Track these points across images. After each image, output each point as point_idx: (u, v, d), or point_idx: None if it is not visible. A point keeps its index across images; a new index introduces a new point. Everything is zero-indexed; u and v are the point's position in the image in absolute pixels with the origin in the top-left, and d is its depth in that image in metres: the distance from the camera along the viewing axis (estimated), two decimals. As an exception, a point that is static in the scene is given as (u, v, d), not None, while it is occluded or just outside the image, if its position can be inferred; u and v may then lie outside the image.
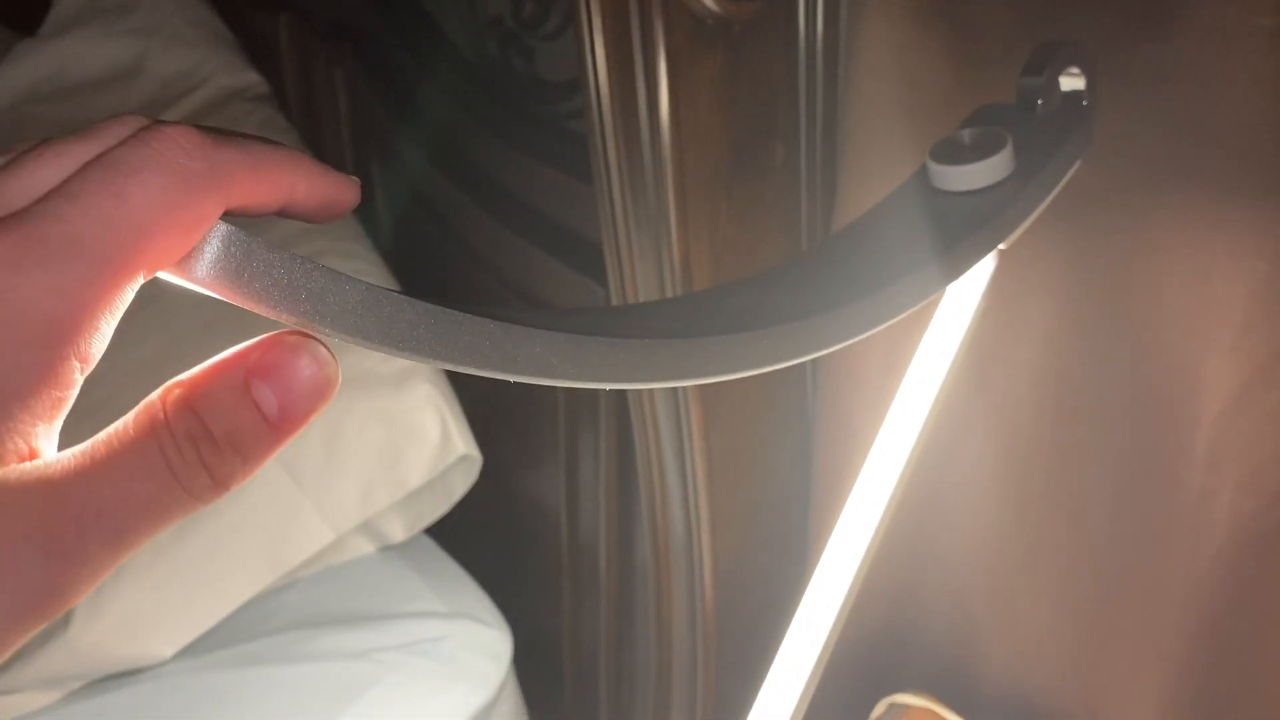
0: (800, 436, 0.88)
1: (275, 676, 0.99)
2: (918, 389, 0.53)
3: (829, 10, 0.70)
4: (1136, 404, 0.66)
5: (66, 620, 0.94)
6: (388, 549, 1.12)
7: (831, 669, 0.52)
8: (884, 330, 0.44)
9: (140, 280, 0.25)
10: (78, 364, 0.25)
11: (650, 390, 0.83)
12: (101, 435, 0.26)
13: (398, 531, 1.11)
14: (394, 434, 1.02)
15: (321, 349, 0.27)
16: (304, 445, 1.00)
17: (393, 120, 1.24)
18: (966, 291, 0.54)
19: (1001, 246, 0.51)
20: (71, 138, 0.26)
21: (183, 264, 0.25)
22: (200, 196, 0.25)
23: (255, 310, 0.26)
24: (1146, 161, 0.60)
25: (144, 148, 0.25)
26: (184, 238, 0.25)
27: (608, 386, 0.33)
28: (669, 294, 0.75)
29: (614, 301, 0.82)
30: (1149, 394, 0.65)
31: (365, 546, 1.10)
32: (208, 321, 1.05)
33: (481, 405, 1.12)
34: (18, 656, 0.93)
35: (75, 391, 0.25)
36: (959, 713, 0.82)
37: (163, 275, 0.26)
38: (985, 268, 0.53)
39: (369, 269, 1.17)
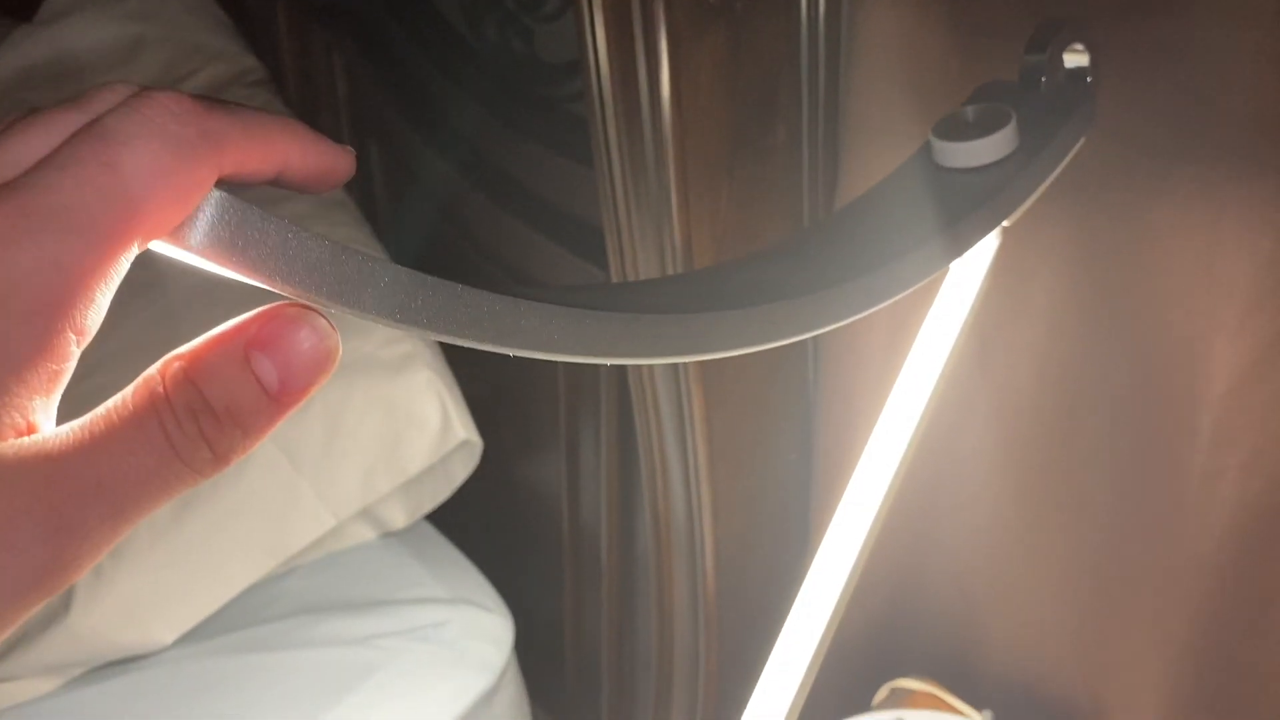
0: (802, 420, 0.87)
1: (277, 663, 0.98)
2: (920, 370, 0.53)
3: (831, -11, 0.70)
4: (1140, 384, 0.66)
5: (66, 606, 0.93)
6: (389, 535, 1.12)
7: (834, 654, 0.52)
8: (886, 311, 0.44)
9: (135, 250, 0.25)
10: (74, 337, 0.24)
11: (651, 374, 0.83)
12: (100, 409, 0.25)
13: (399, 518, 1.11)
14: (394, 420, 1.02)
15: (321, 320, 0.26)
16: (304, 431, 1.00)
17: (391, 104, 1.23)
18: (969, 270, 0.53)
19: (1005, 224, 0.50)
20: (60, 107, 0.26)
21: (177, 233, 0.25)
22: (193, 163, 0.25)
23: (251, 280, 0.26)
24: (1151, 139, 0.60)
25: (134, 115, 0.24)
26: (178, 206, 0.25)
27: (607, 361, 0.33)
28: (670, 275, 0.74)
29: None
30: (1153, 374, 0.65)
31: (366, 533, 1.10)
32: (207, 292, 1.04)
33: (482, 391, 1.12)
34: (17, 643, 0.93)
35: (72, 365, 0.25)
36: (961, 697, 0.82)
37: (157, 245, 0.25)
38: (989, 246, 0.53)
39: (354, 233, 1.17)
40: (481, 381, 1.13)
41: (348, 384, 1.01)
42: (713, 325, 0.36)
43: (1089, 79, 0.54)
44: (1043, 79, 0.53)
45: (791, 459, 0.89)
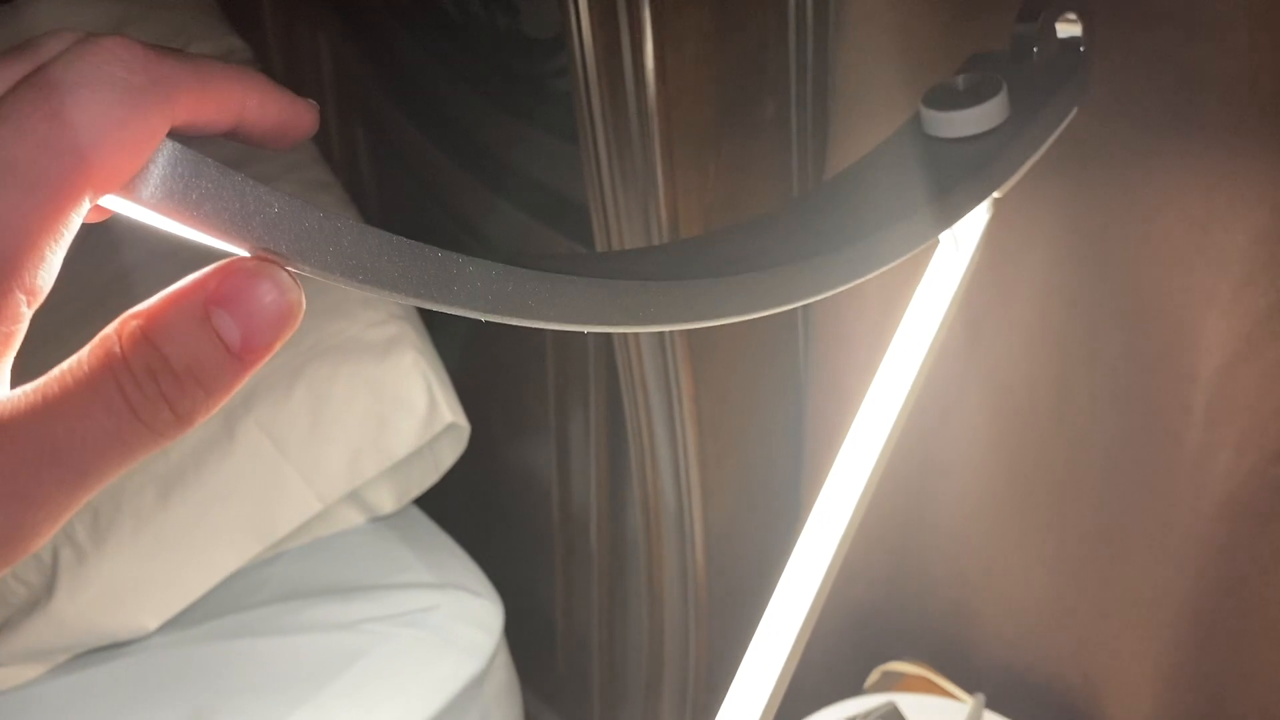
0: (792, 401, 0.87)
1: (263, 648, 0.98)
2: (910, 348, 0.52)
3: (819, -41, 0.69)
4: (1134, 359, 0.65)
5: (50, 592, 0.92)
6: (377, 520, 1.11)
7: (825, 637, 0.51)
8: (876, 291, 0.43)
9: (86, 205, 0.24)
10: (23, 297, 0.23)
11: (639, 355, 0.82)
12: (55, 372, 0.24)
13: (387, 502, 1.10)
14: (380, 402, 1.01)
15: (283, 274, 0.25)
16: (289, 414, 0.99)
17: (377, 84, 1.22)
18: (960, 245, 0.52)
19: (996, 195, 0.49)
20: (1, 56, 0.25)
21: (128, 186, 0.24)
22: (144, 112, 0.23)
23: (206, 235, 0.24)
24: (1145, 109, 0.59)
25: (79, 62, 0.23)
26: (129, 158, 0.23)
27: (585, 329, 0.32)
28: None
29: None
30: (1147, 349, 0.64)
31: (355, 518, 1.09)
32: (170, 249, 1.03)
33: (470, 374, 1.11)
34: (0, 630, 0.92)
35: (23, 326, 0.24)
36: (954, 680, 0.81)
37: (107, 200, 0.24)
38: (979, 218, 0.52)
39: (331, 200, 1.16)
40: (470, 364, 1.12)
41: (333, 367, 1.00)
42: (697, 293, 0.35)
43: (1082, 49, 0.53)
44: (1035, 49, 0.52)
45: (781, 440, 0.88)
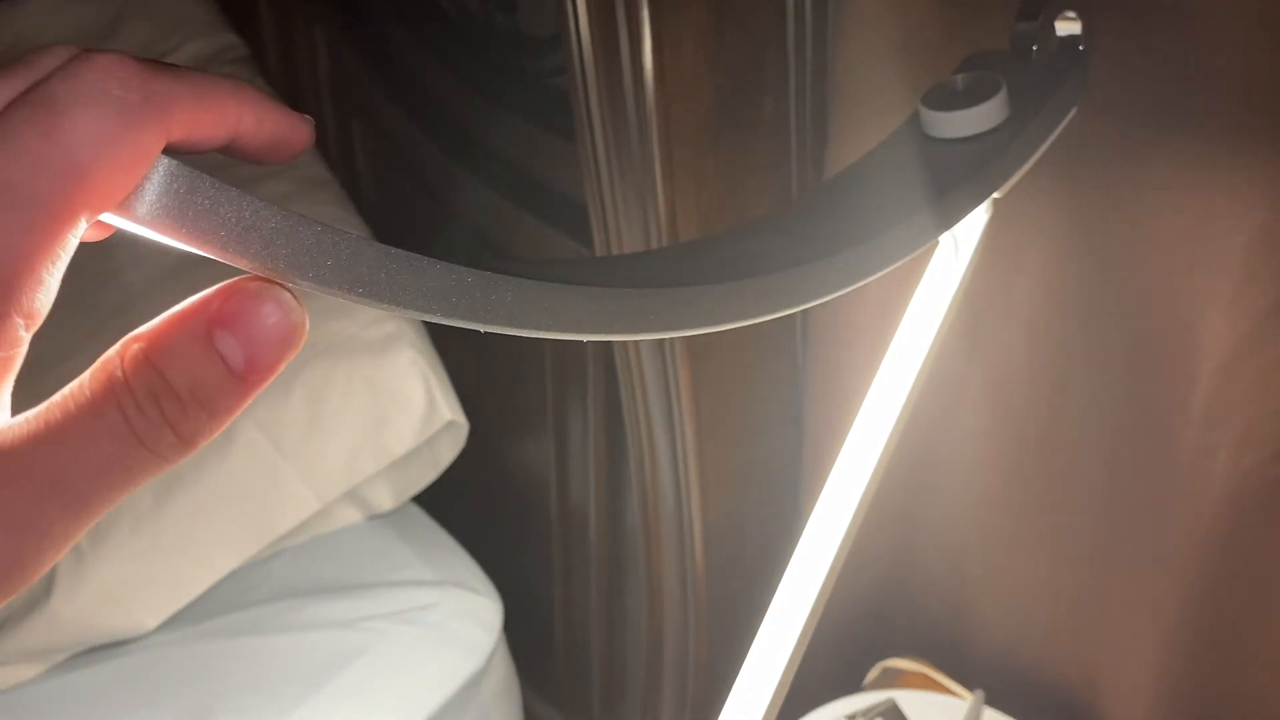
0: (791, 398, 0.87)
1: (263, 646, 0.98)
2: (910, 346, 0.52)
3: (818, -44, 0.68)
4: (1133, 358, 0.65)
5: (48, 592, 0.92)
6: (376, 517, 1.11)
7: (825, 634, 0.51)
8: (875, 287, 0.43)
9: (83, 225, 0.23)
10: (21, 321, 0.23)
11: (638, 353, 0.82)
12: (57, 397, 0.24)
13: (386, 500, 1.10)
14: (378, 400, 1.01)
15: (286, 295, 0.25)
16: (287, 413, 0.99)
17: (374, 80, 1.22)
18: (959, 244, 0.52)
19: (996, 195, 0.49)
20: None
21: (124, 204, 0.24)
22: (139, 129, 0.23)
23: (203, 252, 0.24)
24: (1144, 108, 0.59)
25: (75, 80, 0.23)
26: (125, 176, 0.23)
27: (586, 338, 0.32)
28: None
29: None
30: (1146, 348, 0.64)
31: (353, 515, 1.09)
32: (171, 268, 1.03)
33: (469, 372, 1.11)
34: (-1, 629, 0.92)
35: (22, 351, 0.24)
36: (953, 676, 0.81)
37: (104, 218, 0.24)
38: (979, 218, 0.52)
39: (337, 213, 1.16)
40: (468, 362, 1.12)
41: (331, 365, 1.00)
42: (698, 300, 0.35)
43: (1081, 47, 0.53)
44: (1034, 47, 0.52)
45: (780, 437, 0.88)
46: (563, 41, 0.71)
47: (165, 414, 0.24)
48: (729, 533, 0.89)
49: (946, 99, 0.48)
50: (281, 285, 0.25)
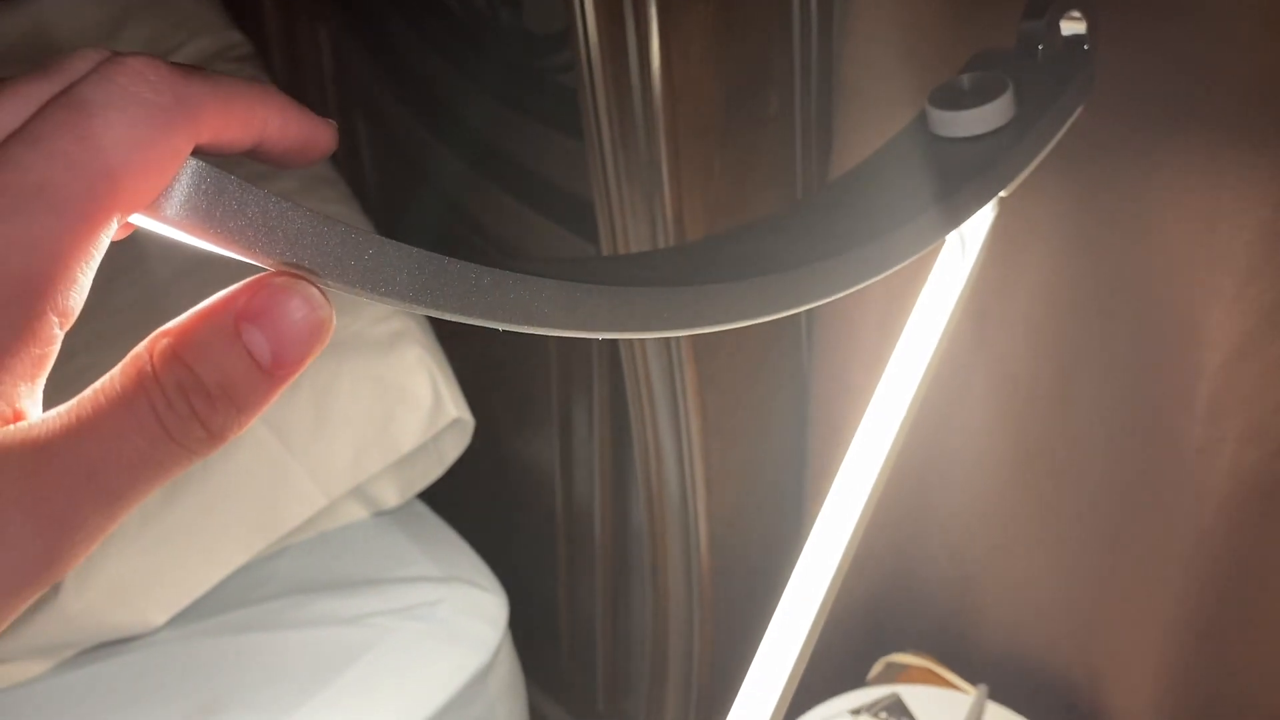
0: (796, 394, 0.87)
1: (269, 643, 0.98)
2: (915, 344, 0.52)
3: (823, -45, 0.69)
4: (1137, 355, 0.65)
5: (56, 588, 0.93)
6: (381, 514, 1.11)
7: (829, 629, 0.51)
8: (881, 284, 0.43)
9: (114, 226, 0.24)
10: (56, 319, 0.23)
11: (643, 350, 0.82)
12: (88, 392, 0.24)
13: (391, 496, 1.10)
14: (385, 397, 1.01)
15: (313, 290, 0.25)
16: (294, 409, 0.99)
17: (379, 78, 1.22)
18: (966, 242, 0.52)
19: (1002, 194, 0.49)
20: (28, 76, 0.25)
21: (153, 204, 0.24)
22: (170, 132, 0.23)
23: (230, 252, 0.25)
24: (1150, 107, 0.59)
25: (108, 83, 0.23)
26: (155, 177, 0.24)
27: (598, 336, 0.32)
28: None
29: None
30: (1150, 344, 0.64)
31: (359, 512, 1.10)
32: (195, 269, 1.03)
33: (474, 368, 1.11)
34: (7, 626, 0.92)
35: (56, 348, 0.24)
36: (957, 671, 0.82)
37: (133, 218, 0.25)
38: (985, 217, 0.52)
39: (343, 209, 1.16)
40: (474, 359, 1.12)
41: (338, 362, 1.00)
42: (705, 299, 0.35)
43: (1087, 46, 0.53)
44: (1040, 46, 0.52)
45: (785, 434, 0.88)
46: (570, 39, 0.71)
47: (194, 408, 0.24)
48: (734, 529, 0.89)
49: (953, 98, 0.48)
50: (308, 280, 0.25)
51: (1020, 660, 0.82)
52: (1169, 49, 0.57)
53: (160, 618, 0.96)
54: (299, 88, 1.40)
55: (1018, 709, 0.77)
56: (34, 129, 0.23)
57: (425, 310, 0.27)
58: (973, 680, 0.80)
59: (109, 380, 0.24)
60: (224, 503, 0.97)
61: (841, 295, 0.41)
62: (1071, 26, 0.54)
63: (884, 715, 0.78)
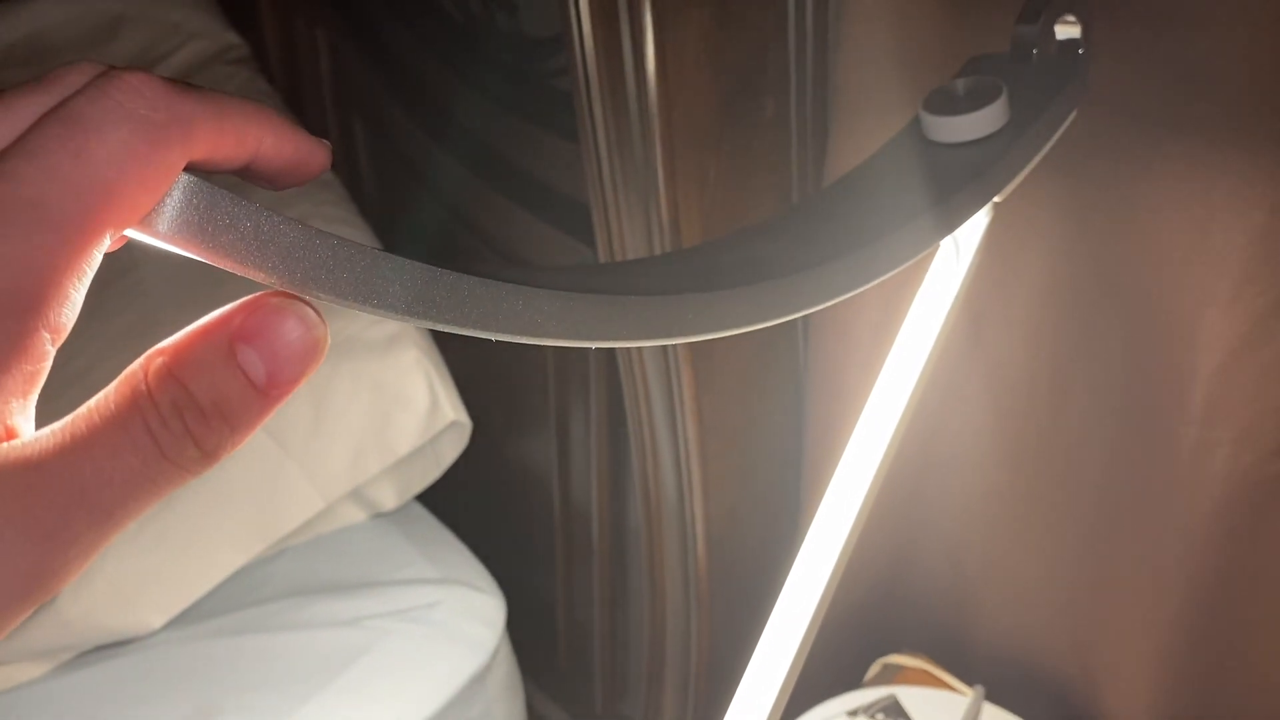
0: (792, 397, 0.87)
1: (267, 645, 0.98)
2: (911, 347, 0.52)
3: (819, -41, 0.69)
4: (1133, 358, 0.66)
5: (55, 591, 0.93)
6: (379, 516, 1.12)
7: (826, 630, 0.52)
8: (876, 289, 0.43)
9: (108, 241, 0.24)
10: (48, 336, 0.23)
11: (640, 352, 0.82)
12: (82, 410, 0.24)
13: (389, 499, 1.10)
14: (382, 400, 1.02)
15: (308, 310, 0.25)
16: (291, 412, 0.99)
17: (376, 81, 1.22)
18: (960, 247, 0.53)
19: (996, 199, 0.50)
20: (23, 88, 0.25)
21: (146, 219, 0.24)
22: (165, 149, 0.24)
23: (223, 266, 0.25)
24: (1144, 111, 0.59)
25: (104, 99, 0.23)
26: (149, 193, 0.24)
27: (594, 345, 0.32)
28: (658, 253, 0.73)
29: (602, 262, 0.81)
30: (1145, 347, 0.65)
31: (356, 514, 1.10)
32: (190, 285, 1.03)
33: (471, 371, 1.11)
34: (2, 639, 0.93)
35: (48, 364, 0.24)
36: (953, 672, 0.82)
37: (127, 233, 0.25)
38: (980, 221, 0.52)
39: (354, 233, 1.16)
40: (471, 361, 1.13)
41: (334, 365, 1.00)
42: (702, 306, 0.36)
43: (1081, 51, 0.53)
44: (1034, 51, 0.52)
45: (782, 436, 0.88)
46: (565, 43, 0.71)
47: (189, 427, 0.24)
48: (731, 531, 0.89)
49: (947, 104, 0.49)
50: (304, 300, 0.25)
51: (1017, 661, 0.82)
52: (1163, 54, 0.57)
53: (158, 620, 0.96)
54: (296, 90, 1.40)
55: (1014, 710, 0.77)
56: (29, 143, 0.23)
57: (419, 322, 0.27)
58: (969, 681, 0.80)
59: (103, 398, 0.24)
60: (222, 506, 0.97)
61: (837, 301, 0.41)
62: (1066, 31, 0.54)
63: (881, 716, 0.78)
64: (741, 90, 0.71)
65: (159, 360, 0.25)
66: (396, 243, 1.22)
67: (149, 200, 0.24)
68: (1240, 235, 0.58)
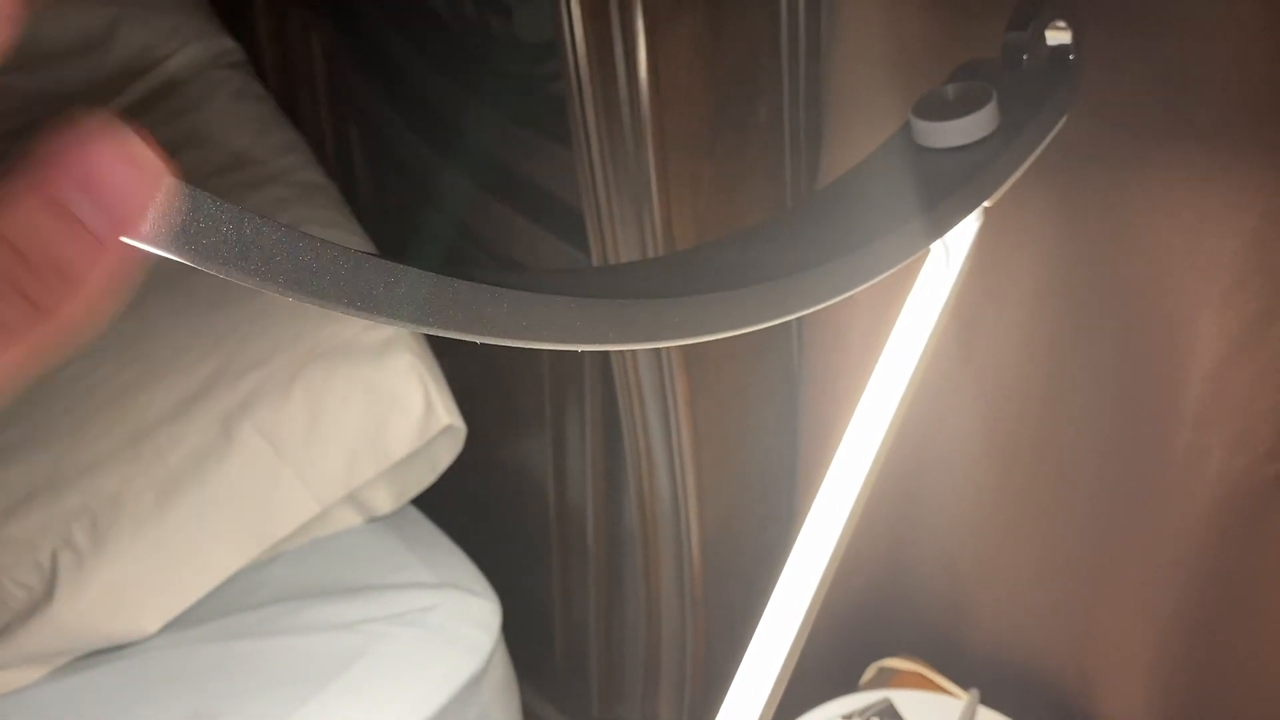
0: (786, 402, 0.87)
1: (263, 649, 0.98)
2: (903, 352, 0.53)
3: (811, -35, 0.69)
4: (1125, 362, 0.66)
5: (50, 596, 0.93)
6: (374, 520, 1.12)
7: (821, 634, 0.52)
8: (868, 294, 0.43)
9: None
10: None
11: (634, 357, 0.82)
12: None
13: (384, 503, 1.10)
14: (377, 404, 1.02)
15: (135, 141, 0.23)
16: (287, 416, 0.99)
17: (370, 85, 1.22)
18: (951, 251, 0.53)
19: (986, 204, 0.50)
20: None
21: None
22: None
23: (204, 269, 0.25)
24: (1134, 116, 0.59)
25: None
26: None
27: (585, 349, 0.32)
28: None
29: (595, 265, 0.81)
30: (1138, 352, 0.65)
31: (352, 518, 1.10)
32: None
33: (466, 375, 1.12)
34: (1, 633, 0.93)
35: None
36: (948, 675, 0.82)
37: None
38: (970, 226, 0.52)
39: (349, 238, 1.16)
40: (466, 365, 1.13)
41: (330, 369, 1.00)
42: (691, 310, 0.36)
43: (1071, 56, 0.54)
44: (1025, 57, 0.52)
45: (776, 441, 0.88)
46: (558, 48, 0.71)
47: (21, 286, 0.22)
48: (725, 535, 0.89)
49: (937, 109, 0.49)
50: (124, 130, 0.23)
51: (1012, 664, 0.82)
52: (1154, 59, 0.57)
53: (154, 625, 0.96)
54: (291, 95, 1.40)
55: (1009, 713, 0.77)
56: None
57: (403, 325, 0.27)
58: (964, 685, 0.80)
59: None
60: (217, 509, 0.97)
61: (827, 304, 0.41)
62: (1056, 36, 0.54)
63: (875, 720, 0.78)
64: (734, 95, 0.71)
65: None
66: (391, 247, 1.22)
67: None
68: (1232, 240, 0.58)
